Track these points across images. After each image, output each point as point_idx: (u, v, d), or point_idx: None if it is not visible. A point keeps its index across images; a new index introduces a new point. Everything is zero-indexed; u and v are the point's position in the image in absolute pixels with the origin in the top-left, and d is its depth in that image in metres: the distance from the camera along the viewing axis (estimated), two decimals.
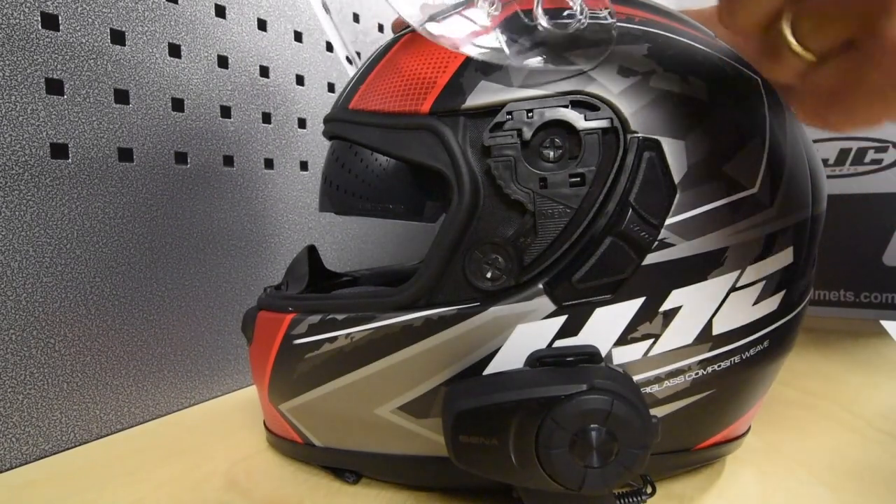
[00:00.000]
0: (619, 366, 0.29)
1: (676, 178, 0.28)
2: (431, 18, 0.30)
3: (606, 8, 0.29)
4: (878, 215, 0.70)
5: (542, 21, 0.28)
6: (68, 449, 0.41)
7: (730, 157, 0.29)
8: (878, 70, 0.18)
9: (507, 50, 0.28)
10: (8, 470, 0.38)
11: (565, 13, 0.29)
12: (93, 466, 0.39)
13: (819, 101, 0.21)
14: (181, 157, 0.48)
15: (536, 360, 0.29)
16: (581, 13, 0.28)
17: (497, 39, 0.28)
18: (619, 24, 0.30)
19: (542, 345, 0.29)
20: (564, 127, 0.28)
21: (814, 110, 0.22)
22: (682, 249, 0.28)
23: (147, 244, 0.45)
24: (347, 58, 0.40)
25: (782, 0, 0.21)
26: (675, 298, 0.29)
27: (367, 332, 0.31)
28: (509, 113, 0.28)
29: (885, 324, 0.72)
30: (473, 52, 0.29)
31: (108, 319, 0.43)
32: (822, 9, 0.20)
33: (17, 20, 0.37)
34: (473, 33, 0.29)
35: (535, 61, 0.28)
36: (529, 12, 0.29)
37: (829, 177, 0.66)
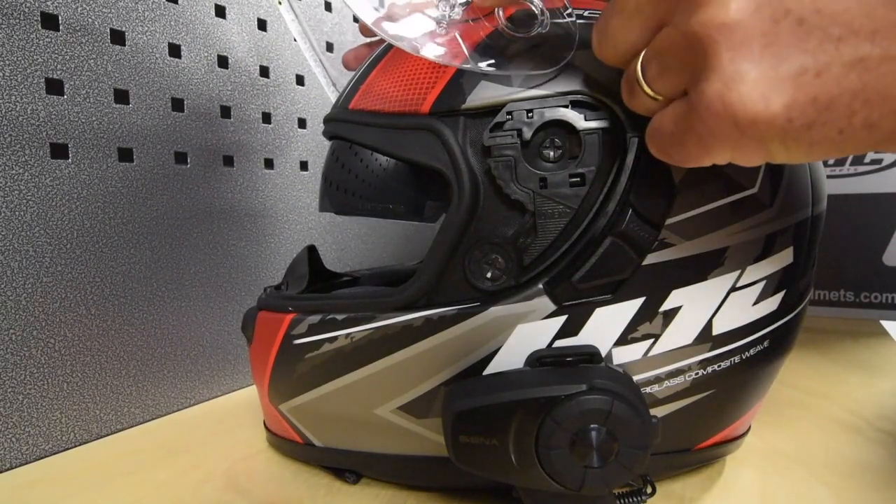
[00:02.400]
0: (619, 366, 0.29)
1: (676, 179, 0.28)
2: (388, 17, 0.30)
3: (564, 7, 0.29)
4: (878, 215, 0.70)
5: (505, 26, 0.28)
6: (68, 449, 0.41)
7: None
8: (699, 120, 0.20)
9: (468, 54, 0.28)
10: (8, 470, 0.38)
11: (527, 16, 0.29)
12: (93, 466, 0.39)
13: (663, 138, 0.23)
14: (181, 157, 0.48)
15: (536, 360, 0.29)
16: (542, 17, 0.28)
17: (460, 44, 0.28)
18: None
19: (542, 345, 0.29)
20: (564, 127, 0.28)
21: (659, 146, 0.24)
22: (682, 249, 0.28)
23: (147, 244, 0.45)
24: (304, 33, 0.40)
25: (641, 41, 0.23)
26: (675, 298, 0.29)
27: (367, 332, 0.31)
28: (509, 113, 0.28)
29: (885, 324, 0.72)
30: (431, 55, 0.29)
31: (108, 319, 0.43)
32: (664, 59, 0.22)
33: (17, 20, 0.37)
34: (432, 34, 0.29)
35: (494, 67, 0.28)
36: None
37: (829, 177, 0.66)
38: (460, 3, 0.29)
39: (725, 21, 0.19)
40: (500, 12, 0.29)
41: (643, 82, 0.23)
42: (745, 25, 0.18)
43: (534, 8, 0.28)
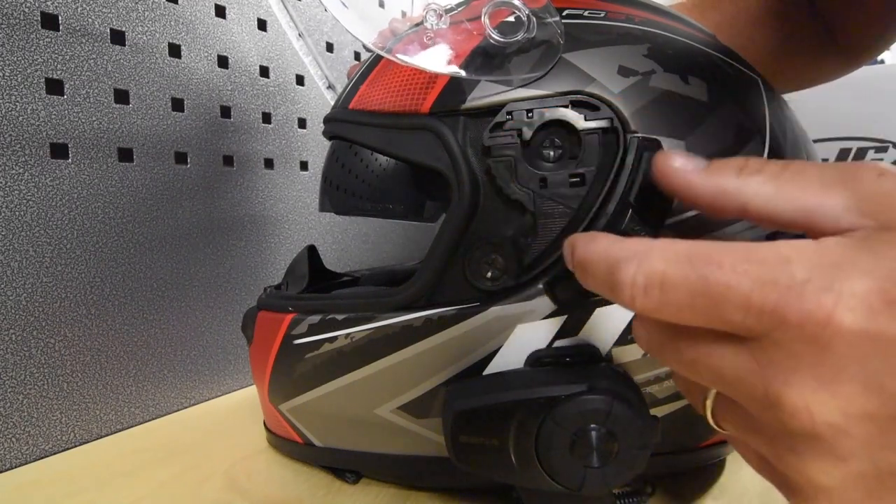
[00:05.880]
0: (619, 366, 0.29)
1: None
2: (390, 32, 0.30)
3: (544, 6, 0.29)
4: None
5: (492, 34, 0.28)
6: (68, 449, 0.41)
7: (730, 156, 0.29)
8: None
9: (456, 63, 0.28)
10: (8, 470, 0.38)
11: (513, 23, 0.29)
12: (93, 466, 0.39)
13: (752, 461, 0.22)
14: (181, 157, 0.48)
15: (536, 360, 0.29)
16: (528, 23, 0.28)
17: (450, 53, 0.28)
18: (619, 23, 0.30)
19: (542, 345, 0.29)
20: (564, 127, 0.28)
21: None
22: None
23: (147, 244, 0.45)
24: (299, 34, 0.40)
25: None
26: None
27: (367, 332, 0.31)
28: (509, 113, 0.28)
29: None
30: (429, 68, 0.29)
31: (108, 319, 0.43)
32: (736, 412, 0.20)
33: (17, 20, 0.37)
34: (422, 45, 0.29)
35: (484, 75, 0.28)
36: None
37: None
38: (448, 14, 0.29)
39: (828, 485, 0.17)
40: (487, 20, 0.28)
41: (710, 419, 0.21)
42: (846, 491, 0.17)
43: (519, 14, 0.28)
